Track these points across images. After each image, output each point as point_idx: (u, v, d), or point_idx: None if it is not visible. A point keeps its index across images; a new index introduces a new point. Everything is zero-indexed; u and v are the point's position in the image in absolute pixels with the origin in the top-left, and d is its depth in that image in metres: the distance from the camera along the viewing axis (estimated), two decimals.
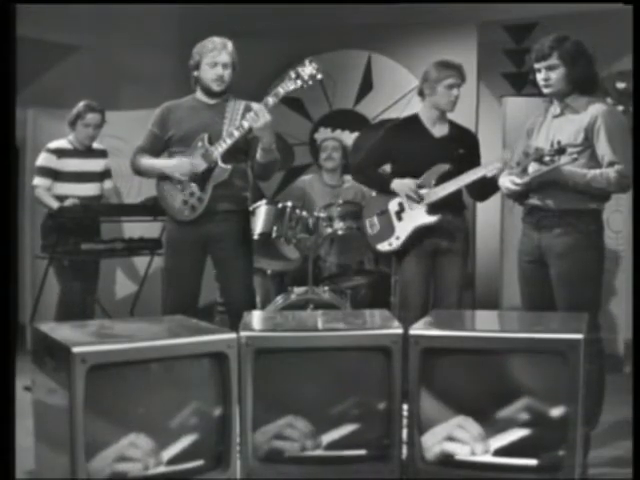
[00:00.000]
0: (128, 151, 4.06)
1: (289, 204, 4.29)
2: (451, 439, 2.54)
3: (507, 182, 3.18)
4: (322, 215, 4.31)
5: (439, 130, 3.85)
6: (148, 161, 3.75)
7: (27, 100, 5.28)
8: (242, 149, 3.66)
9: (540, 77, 3.11)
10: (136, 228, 4.87)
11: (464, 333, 2.65)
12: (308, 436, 2.59)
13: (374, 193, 4.07)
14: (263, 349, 2.59)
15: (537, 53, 3.09)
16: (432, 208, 3.74)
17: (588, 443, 2.85)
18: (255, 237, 4.11)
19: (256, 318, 3.13)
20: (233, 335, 2.56)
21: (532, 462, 2.47)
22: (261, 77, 5.57)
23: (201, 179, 3.62)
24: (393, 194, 3.84)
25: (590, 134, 3.03)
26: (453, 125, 3.89)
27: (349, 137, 5.73)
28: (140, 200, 5.00)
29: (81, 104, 4.64)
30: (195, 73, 3.68)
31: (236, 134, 3.56)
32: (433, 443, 2.56)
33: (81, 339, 2.47)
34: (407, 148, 3.81)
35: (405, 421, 2.60)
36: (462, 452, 2.52)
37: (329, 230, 4.30)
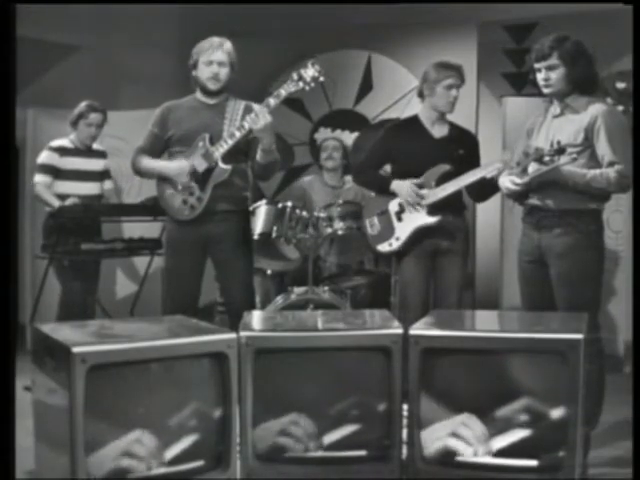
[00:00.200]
0: (128, 151, 4.06)
1: (289, 204, 4.29)
2: (455, 436, 2.53)
3: (507, 182, 3.18)
4: (322, 215, 4.31)
5: (439, 131, 3.85)
6: (149, 162, 3.75)
7: (27, 100, 5.28)
8: (242, 149, 3.67)
9: (540, 77, 3.11)
10: (136, 228, 4.87)
11: (464, 333, 2.65)
12: (312, 436, 2.59)
13: (374, 194, 4.07)
14: (263, 349, 2.59)
15: (537, 53, 3.09)
16: (432, 209, 3.74)
17: (588, 443, 2.85)
18: (255, 237, 4.11)
19: (256, 318, 3.13)
20: (233, 335, 2.56)
21: (532, 462, 2.47)
22: (261, 77, 5.57)
23: (201, 179, 3.62)
24: (394, 195, 3.84)
25: (590, 134, 3.03)
26: (453, 126, 3.88)
27: (349, 137, 5.73)
28: (140, 200, 5.00)
29: (83, 104, 4.65)
30: (193, 73, 3.69)
31: (237, 135, 3.56)
32: (434, 439, 2.55)
33: (81, 339, 2.47)
34: (407, 149, 3.81)
35: (405, 421, 2.60)
36: (464, 451, 2.52)
37: (329, 230, 4.30)
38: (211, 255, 3.73)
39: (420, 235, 3.78)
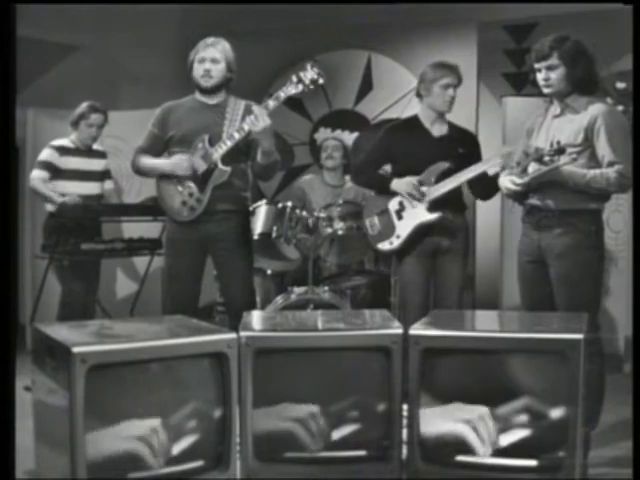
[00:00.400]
0: (128, 151, 4.07)
1: (289, 204, 4.29)
2: (472, 428, 2.52)
3: (507, 182, 3.18)
4: (322, 215, 4.31)
5: (438, 130, 3.85)
6: (148, 161, 3.75)
7: (27, 100, 5.28)
8: (242, 150, 3.66)
9: (540, 77, 3.10)
10: (136, 228, 4.88)
11: (464, 333, 2.64)
12: (320, 436, 2.60)
13: (374, 194, 4.07)
14: (263, 349, 2.60)
15: (537, 53, 3.09)
16: (432, 206, 3.74)
17: (588, 443, 2.85)
18: (255, 237, 4.11)
19: (256, 318, 3.13)
20: (233, 335, 2.56)
21: (532, 462, 2.47)
22: (261, 77, 5.57)
23: (201, 180, 3.62)
24: (393, 194, 3.84)
25: (590, 134, 3.03)
26: (452, 126, 3.89)
27: (349, 137, 5.73)
28: (140, 200, 5.01)
29: (84, 104, 4.65)
30: (191, 73, 3.69)
31: (236, 136, 3.56)
32: (435, 419, 2.55)
33: (81, 339, 2.46)
34: (406, 148, 3.81)
35: (405, 421, 2.60)
36: (477, 446, 2.51)
37: (329, 230, 4.30)
38: (211, 255, 3.73)
39: (421, 233, 3.78)
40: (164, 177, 3.71)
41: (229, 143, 3.58)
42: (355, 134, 5.78)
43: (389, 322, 2.80)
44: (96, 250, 4.53)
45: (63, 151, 4.66)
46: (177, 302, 3.65)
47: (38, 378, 2.60)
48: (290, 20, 5.51)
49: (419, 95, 3.86)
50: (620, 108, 3.69)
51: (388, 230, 3.87)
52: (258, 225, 4.22)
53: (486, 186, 3.75)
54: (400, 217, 3.84)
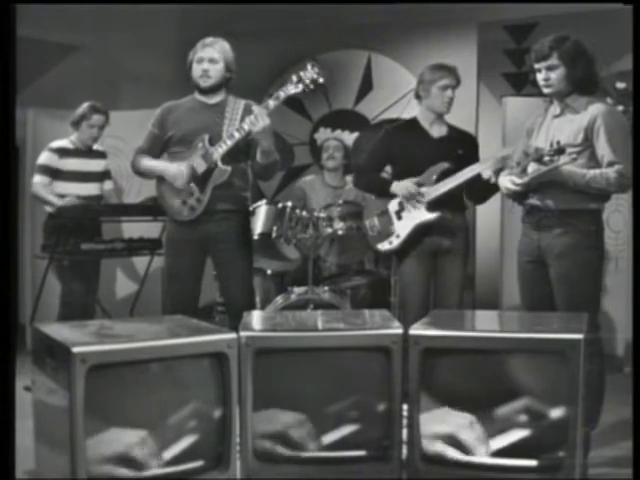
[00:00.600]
0: (128, 151, 4.07)
1: (289, 204, 4.29)
2: (453, 440, 2.53)
3: (507, 182, 3.19)
4: (322, 215, 4.31)
5: (437, 131, 3.85)
6: (148, 163, 3.75)
7: (27, 100, 5.28)
8: (242, 150, 3.66)
9: (540, 77, 3.10)
10: (136, 228, 4.88)
11: (464, 333, 2.64)
12: (311, 439, 2.60)
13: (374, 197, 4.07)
14: (263, 349, 2.59)
15: (537, 53, 3.09)
16: (432, 206, 3.75)
17: (588, 443, 2.85)
18: (255, 237, 4.11)
19: (256, 318, 3.13)
20: (233, 335, 2.56)
21: (532, 462, 2.47)
22: (261, 77, 5.57)
23: (201, 180, 3.62)
24: (393, 197, 3.84)
25: (590, 134, 3.03)
26: (452, 127, 3.89)
27: (349, 137, 5.73)
28: (140, 200, 5.00)
29: (86, 105, 4.64)
30: (190, 73, 3.69)
31: (236, 135, 3.56)
32: (433, 435, 2.55)
33: (81, 339, 2.46)
34: (406, 149, 3.81)
35: (405, 421, 2.60)
36: (460, 456, 2.52)
37: (329, 230, 4.30)
38: (211, 255, 3.73)
39: (420, 233, 3.78)
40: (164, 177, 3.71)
41: (229, 142, 3.58)
42: (355, 134, 5.79)
43: (389, 322, 2.80)
44: (96, 250, 4.53)
45: (63, 153, 4.65)
46: (177, 302, 3.65)
47: (38, 378, 2.60)
48: (290, 20, 5.51)
49: (418, 97, 3.86)
50: (620, 108, 3.70)
51: (388, 230, 3.87)
52: (258, 225, 4.22)
53: (481, 189, 3.76)
54: (400, 217, 3.84)
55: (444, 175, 3.73)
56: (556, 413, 2.45)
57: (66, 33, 5.65)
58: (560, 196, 3.06)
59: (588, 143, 3.04)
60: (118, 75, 5.98)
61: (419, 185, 3.76)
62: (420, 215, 3.77)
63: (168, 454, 2.40)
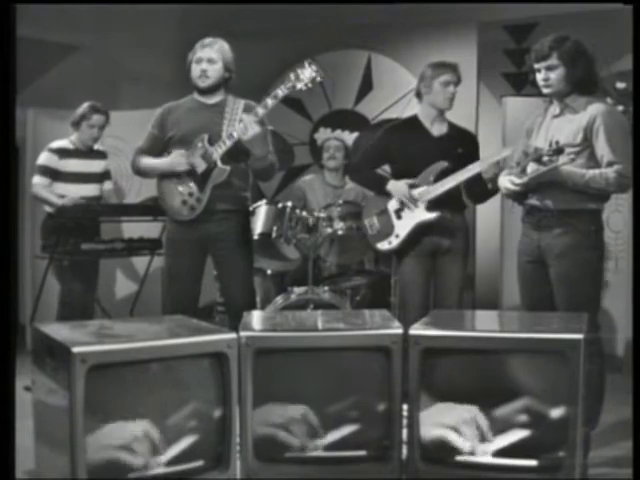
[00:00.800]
0: (128, 151, 4.07)
1: (289, 204, 4.29)
2: (457, 431, 2.53)
3: (506, 182, 3.19)
4: (322, 215, 4.31)
5: (438, 129, 3.85)
6: (147, 161, 3.76)
7: (27, 100, 5.28)
8: (242, 149, 3.66)
9: (540, 77, 3.10)
10: (136, 228, 4.88)
11: (464, 333, 2.64)
12: (311, 435, 2.60)
13: (373, 194, 4.07)
14: (263, 349, 2.59)
15: (537, 53, 3.09)
16: (431, 205, 3.74)
17: (588, 443, 2.85)
18: (255, 237, 4.11)
19: (256, 318, 3.13)
20: (233, 335, 2.56)
21: (532, 462, 2.47)
22: (261, 77, 5.57)
23: (200, 180, 3.62)
24: (390, 195, 3.84)
25: (589, 134, 3.03)
26: (452, 126, 3.89)
27: (349, 137, 5.73)
28: (140, 200, 5.00)
29: (86, 105, 4.64)
30: (189, 74, 3.69)
31: (236, 135, 3.56)
32: (433, 425, 2.55)
33: (81, 339, 2.46)
34: (405, 148, 3.81)
35: (405, 421, 2.60)
36: (463, 446, 2.52)
37: (329, 230, 4.30)
38: (211, 255, 3.73)
39: (420, 233, 3.78)
40: (164, 177, 3.71)
41: (229, 142, 3.58)
42: (355, 134, 5.79)
43: (389, 322, 2.80)
44: (96, 250, 4.53)
45: (63, 153, 4.64)
46: (177, 302, 3.65)
47: (38, 378, 2.60)
48: (290, 20, 5.51)
49: (419, 95, 3.85)
50: (620, 108, 3.69)
51: (387, 230, 3.87)
52: (258, 225, 4.22)
53: (480, 190, 3.76)
54: (399, 217, 3.84)
55: (444, 174, 3.73)
56: (556, 413, 2.45)
57: (66, 33, 5.65)
58: (560, 196, 3.06)
59: (587, 143, 3.04)
60: (118, 75, 5.98)
61: (415, 186, 3.75)
62: (420, 215, 3.77)
63: (168, 454, 2.40)
